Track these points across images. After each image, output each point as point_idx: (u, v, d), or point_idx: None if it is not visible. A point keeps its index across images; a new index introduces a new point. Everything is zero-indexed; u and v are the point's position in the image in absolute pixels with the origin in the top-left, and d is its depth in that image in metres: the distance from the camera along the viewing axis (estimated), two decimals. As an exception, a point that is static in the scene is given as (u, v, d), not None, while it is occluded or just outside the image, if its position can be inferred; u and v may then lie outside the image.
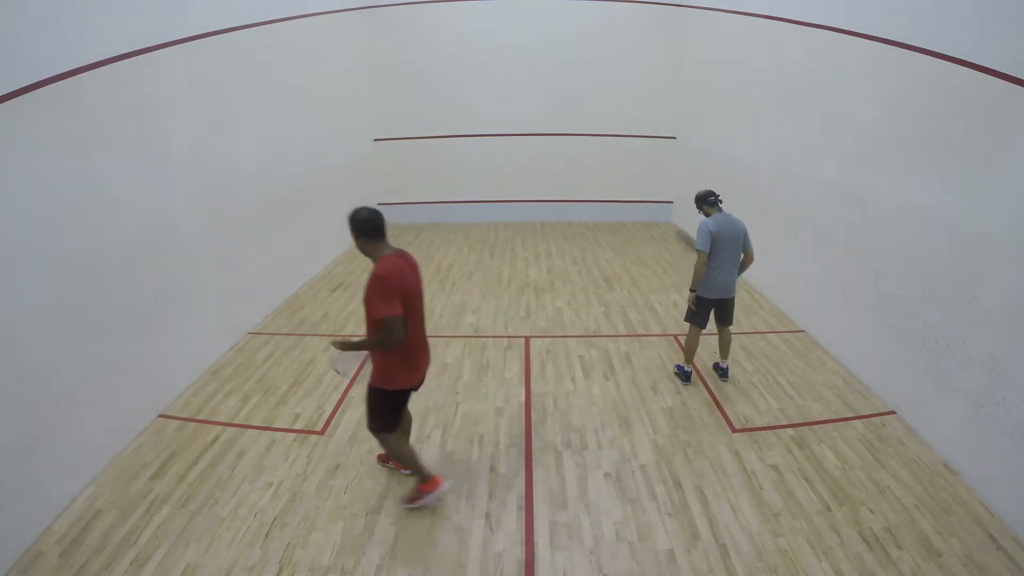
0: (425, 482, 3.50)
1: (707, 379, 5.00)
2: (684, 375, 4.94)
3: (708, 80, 8.84)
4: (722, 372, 5.00)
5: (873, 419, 4.40)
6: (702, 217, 4.70)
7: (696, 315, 4.78)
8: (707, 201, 4.64)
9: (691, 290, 4.70)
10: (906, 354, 4.35)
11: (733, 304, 4.84)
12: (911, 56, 4.27)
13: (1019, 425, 3.33)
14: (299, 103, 7.22)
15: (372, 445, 4.06)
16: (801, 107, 6.02)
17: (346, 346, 3.22)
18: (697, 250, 4.61)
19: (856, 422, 4.36)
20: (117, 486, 3.71)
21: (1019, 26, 3.41)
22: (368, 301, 3.03)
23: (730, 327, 4.92)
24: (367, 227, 3.07)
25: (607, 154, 10.46)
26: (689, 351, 4.89)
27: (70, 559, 3.13)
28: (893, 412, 4.47)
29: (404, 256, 3.18)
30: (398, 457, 3.54)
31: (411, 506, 3.51)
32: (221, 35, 5.38)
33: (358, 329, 5.97)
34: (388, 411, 3.36)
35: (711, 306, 4.77)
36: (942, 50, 3.98)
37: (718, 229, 4.50)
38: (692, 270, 4.69)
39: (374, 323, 3.06)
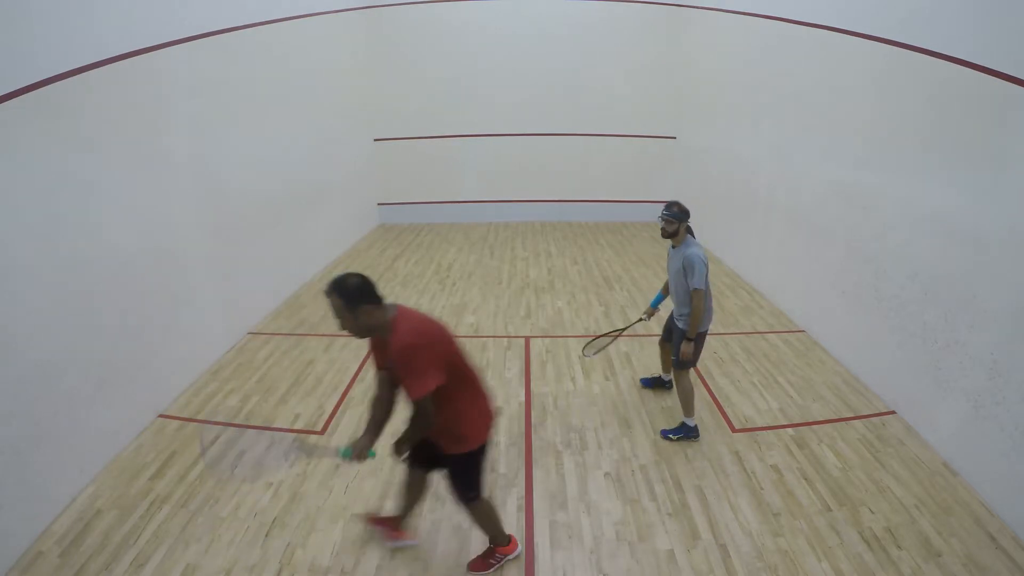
0: (506, 543, 3.07)
1: (707, 379, 5.00)
2: (694, 431, 4.14)
3: (708, 80, 8.85)
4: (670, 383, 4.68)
5: (873, 419, 4.40)
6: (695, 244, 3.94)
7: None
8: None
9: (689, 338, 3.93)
10: (906, 354, 4.35)
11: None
12: (911, 56, 4.27)
13: (1019, 425, 3.33)
14: (299, 103, 7.22)
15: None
16: (801, 107, 6.02)
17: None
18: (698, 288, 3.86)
19: (856, 422, 4.36)
20: (117, 486, 3.71)
21: (1019, 26, 3.41)
22: (405, 378, 2.40)
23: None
24: (363, 291, 2.37)
25: (607, 154, 10.47)
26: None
27: (70, 559, 3.13)
28: (893, 412, 4.47)
29: (410, 310, 2.53)
30: (484, 524, 2.96)
31: (480, 574, 3.03)
32: (221, 35, 5.39)
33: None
34: (480, 472, 2.84)
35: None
36: (942, 50, 3.98)
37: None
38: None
39: (416, 400, 2.46)
